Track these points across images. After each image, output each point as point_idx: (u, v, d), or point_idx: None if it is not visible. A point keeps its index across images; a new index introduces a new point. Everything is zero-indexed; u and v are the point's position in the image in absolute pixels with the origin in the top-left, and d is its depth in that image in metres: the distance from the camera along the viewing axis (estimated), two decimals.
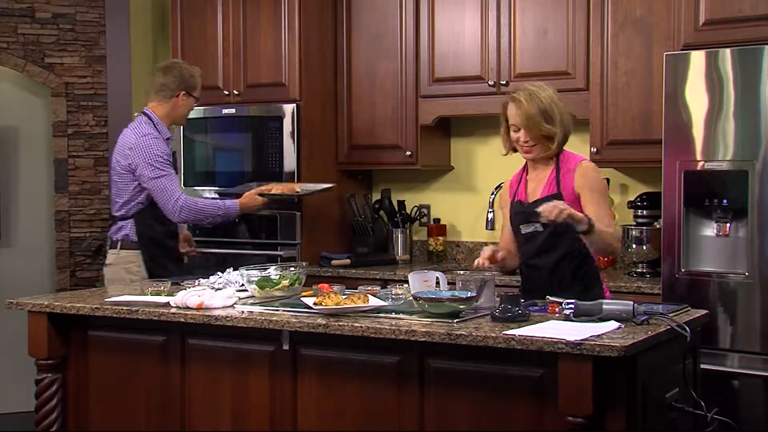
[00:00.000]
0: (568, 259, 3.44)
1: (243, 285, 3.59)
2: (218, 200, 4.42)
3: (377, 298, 3.31)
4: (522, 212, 3.52)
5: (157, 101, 4.37)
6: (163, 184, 4.19)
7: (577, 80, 4.51)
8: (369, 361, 3.11)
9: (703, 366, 3.30)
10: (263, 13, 5.04)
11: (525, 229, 3.52)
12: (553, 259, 3.46)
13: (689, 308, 3.24)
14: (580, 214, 3.25)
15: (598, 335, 2.71)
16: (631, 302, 2.97)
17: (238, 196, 4.47)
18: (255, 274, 3.51)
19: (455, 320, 3.00)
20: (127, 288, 4.01)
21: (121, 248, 4.27)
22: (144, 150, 4.19)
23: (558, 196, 3.39)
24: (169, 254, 4.36)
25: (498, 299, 3.09)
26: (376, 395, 3.10)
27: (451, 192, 5.27)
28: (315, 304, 3.20)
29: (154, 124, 4.30)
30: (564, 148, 3.50)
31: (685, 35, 4.01)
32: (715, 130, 3.80)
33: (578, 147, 4.78)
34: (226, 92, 5.16)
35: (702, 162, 3.84)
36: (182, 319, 3.33)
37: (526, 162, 3.59)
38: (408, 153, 4.98)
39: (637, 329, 2.83)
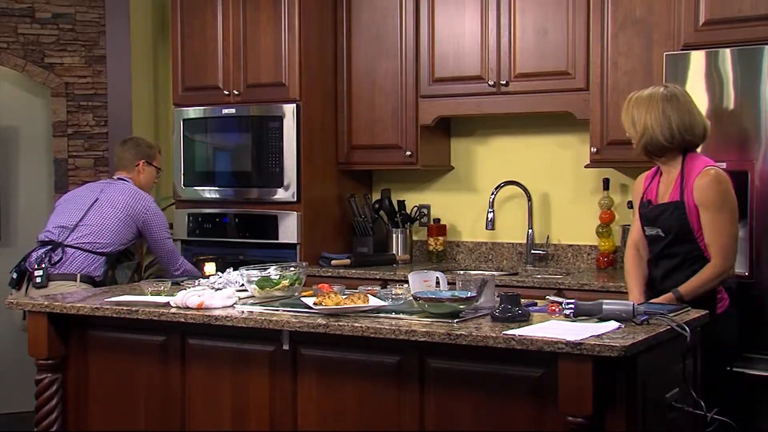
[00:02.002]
0: (685, 266, 3.44)
1: (243, 285, 3.59)
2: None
3: (377, 298, 3.31)
4: (646, 214, 3.55)
5: (123, 172, 4.70)
6: (172, 247, 4.64)
7: (577, 80, 4.51)
8: (369, 361, 3.11)
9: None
10: (263, 13, 5.04)
11: (648, 231, 3.55)
12: (669, 266, 3.48)
13: (689, 308, 3.24)
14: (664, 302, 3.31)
15: (598, 335, 2.71)
16: (631, 302, 2.97)
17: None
18: (255, 274, 3.51)
19: (455, 320, 3.00)
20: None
21: (80, 281, 4.29)
22: (157, 215, 4.55)
23: (681, 205, 3.40)
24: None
25: (498, 299, 3.09)
26: (376, 395, 3.10)
27: (451, 192, 5.27)
28: (315, 304, 3.20)
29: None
30: (696, 152, 3.49)
31: (685, 35, 4.01)
32: (715, 130, 3.80)
33: (578, 147, 4.80)
34: (226, 92, 5.16)
35: None
36: (182, 319, 3.33)
37: None
38: (408, 153, 4.97)
39: (637, 329, 2.83)
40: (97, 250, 4.35)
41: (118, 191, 4.52)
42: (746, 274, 3.75)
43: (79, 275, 4.29)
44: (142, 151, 4.71)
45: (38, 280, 4.22)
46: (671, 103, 3.45)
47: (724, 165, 3.68)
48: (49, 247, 4.34)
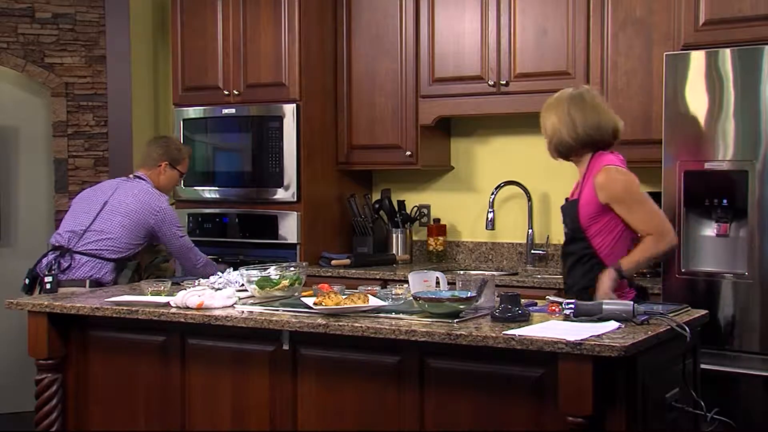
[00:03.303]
0: (580, 264, 3.47)
1: (243, 285, 3.59)
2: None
3: (377, 298, 3.31)
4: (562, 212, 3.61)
5: (144, 169, 4.58)
6: (189, 243, 4.50)
7: (577, 80, 4.50)
8: (369, 361, 3.11)
9: (703, 366, 3.30)
10: (263, 13, 5.04)
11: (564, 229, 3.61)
12: (569, 263, 3.53)
13: (689, 308, 3.24)
14: (606, 279, 3.29)
15: (598, 335, 2.71)
16: (631, 302, 2.97)
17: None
18: (255, 274, 3.51)
19: (455, 320, 3.00)
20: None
21: (89, 286, 4.25)
22: (168, 214, 4.43)
23: (575, 204, 3.44)
24: None
25: (498, 299, 3.09)
26: (376, 395, 3.10)
27: (451, 192, 5.27)
28: (315, 304, 3.20)
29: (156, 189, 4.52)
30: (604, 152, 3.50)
31: (685, 35, 4.00)
32: (715, 130, 3.80)
33: None
34: (226, 92, 5.16)
35: (702, 162, 3.84)
36: (182, 319, 3.33)
37: None
38: (408, 153, 4.98)
39: (637, 329, 2.83)
40: (105, 257, 4.31)
41: (129, 193, 4.39)
42: (746, 273, 3.76)
43: (88, 281, 4.26)
44: (169, 152, 4.58)
45: (48, 286, 4.22)
46: (576, 103, 3.49)
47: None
48: (58, 252, 4.31)
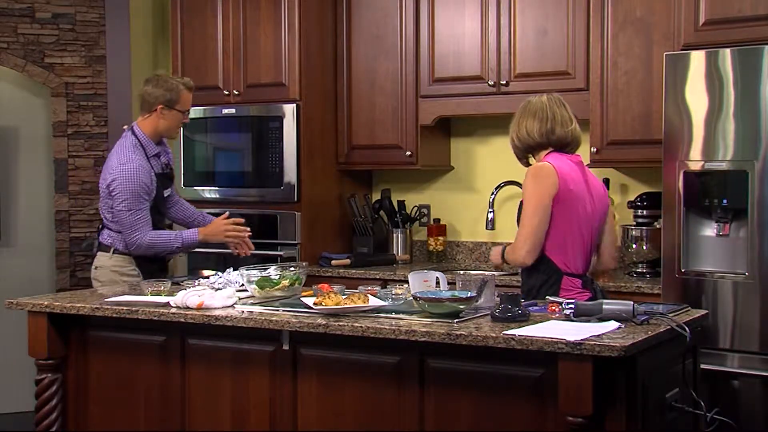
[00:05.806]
0: (533, 265, 3.53)
1: (243, 285, 3.59)
2: (173, 235, 4.29)
3: (377, 298, 3.31)
4: None
5: (141, 116, 4.29)
6: (131, 219, 4.11)
7: (577, 80, 4.51)
8: (369, 361, 3.11)
9: (703, 366, 3.31)
10: (263, 13, 5.04)
11: None
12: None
13: (689, 308, 3.24)
14: (495, 256, 3.69)
15: (598, 335, 2.71)
16: (631, 302, 2.97)
17: None
18: (255, 274, 3.51)
19: (455, 320, 3.00)
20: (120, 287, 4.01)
21: (114, 252, 4.21)
22: (124, 181, 4.09)
23: (520, 204, 3.57)
24: (159, 266, 4.34)
25: (498, 299, 3.09)
26: (376, 395, 3.10)
27: (451, 192, 5.27)
28: (315, 304, 3.20)
29: (141, 144, 4.20)
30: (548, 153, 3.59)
31: (685, 35, 4.01)
32: (715, 130, 3.80)
33: (579, 147, 4.79)
34: (226, 92, 5.16)
35: (702, 162, 3.84)
36: (182, 319, 3.33)
37: None
38: (408, 153, 4.98)
39: (637, 329, 2.83)
40: (110, 227, 4.23)
41: (111, 157, 4.21)
42: (746, 273, 3.76)
43: (112, 248, 4.19)
44: (165, 93, 4.19)
45: (92, 249, 4.36)
46: (519, 112, 3.62)
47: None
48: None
